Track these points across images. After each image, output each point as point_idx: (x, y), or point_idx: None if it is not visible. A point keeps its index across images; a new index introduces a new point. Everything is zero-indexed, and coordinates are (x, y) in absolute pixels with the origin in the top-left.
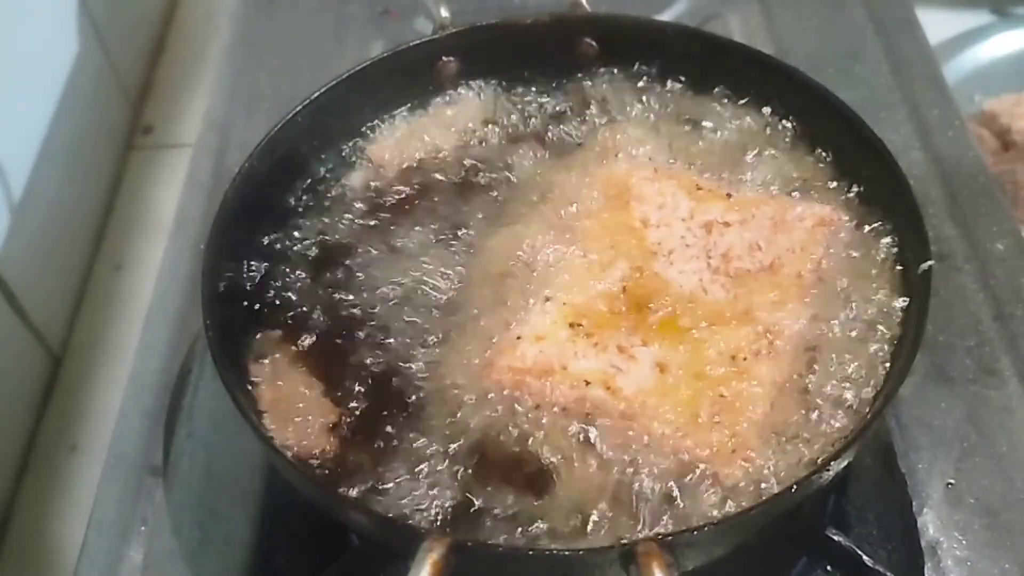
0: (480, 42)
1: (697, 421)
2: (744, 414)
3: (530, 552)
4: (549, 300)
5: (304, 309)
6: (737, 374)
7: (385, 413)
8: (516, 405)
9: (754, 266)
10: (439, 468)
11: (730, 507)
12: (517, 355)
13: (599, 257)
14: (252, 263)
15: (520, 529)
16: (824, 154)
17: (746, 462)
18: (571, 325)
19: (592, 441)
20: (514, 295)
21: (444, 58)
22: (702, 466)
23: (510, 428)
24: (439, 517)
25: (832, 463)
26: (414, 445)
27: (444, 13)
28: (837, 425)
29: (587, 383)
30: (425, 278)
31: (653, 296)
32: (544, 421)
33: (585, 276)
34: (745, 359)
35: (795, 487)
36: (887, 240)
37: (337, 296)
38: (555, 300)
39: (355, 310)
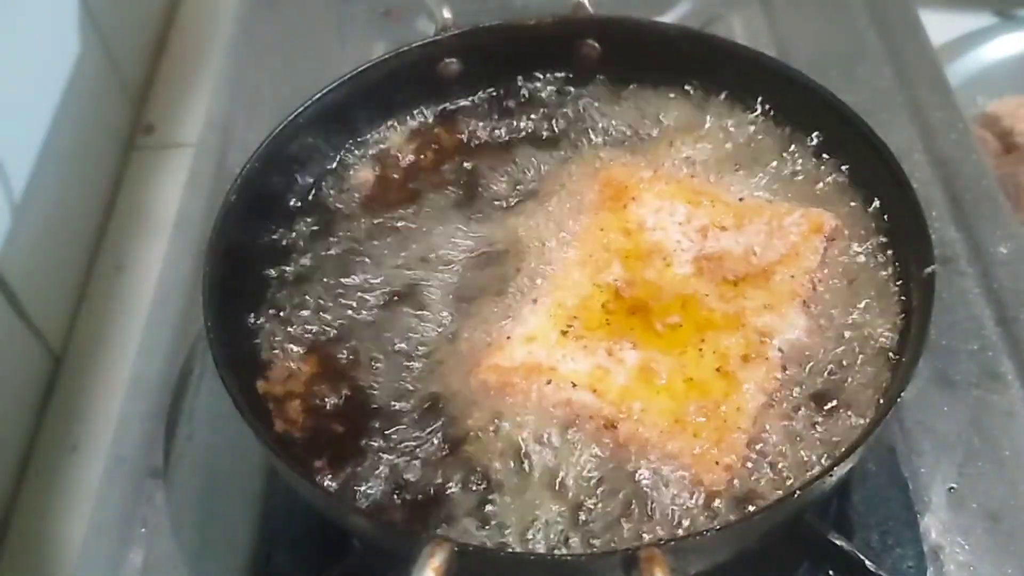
0: (482, 43)
1: (683, 426)
2: (733, 419)
3: (531, 557)
4: (542, 301)
5: (305, 309)
6: (727, 379)
7: (376, 413)
8: (501, 405)
9: (749, 271)
10: (426, 468)
11: (715, 513)
12: (505, 355)
13: (594, 259)
14: (253, 263)
15: (505, 532)
16: (825, 157)
17: (732, 468)
18: (562, 327)
19: (577, 444)
20: (507, 295)
21: (446, 59)
22: (687, 470)
23: (494, 429)
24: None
25: (835, 468)
26: (401, 445)
27: (446, 14)
28: (835, 430)
29: (573, 385)
30: (424, 277)
31: (646, 299)
32: (528, 422)
33: (579, 278)
34: (736, 364)
35: (798, 492)
36: (889, 244)
37: (338, 296)
38: (547, 301)
39: (355, 310)
